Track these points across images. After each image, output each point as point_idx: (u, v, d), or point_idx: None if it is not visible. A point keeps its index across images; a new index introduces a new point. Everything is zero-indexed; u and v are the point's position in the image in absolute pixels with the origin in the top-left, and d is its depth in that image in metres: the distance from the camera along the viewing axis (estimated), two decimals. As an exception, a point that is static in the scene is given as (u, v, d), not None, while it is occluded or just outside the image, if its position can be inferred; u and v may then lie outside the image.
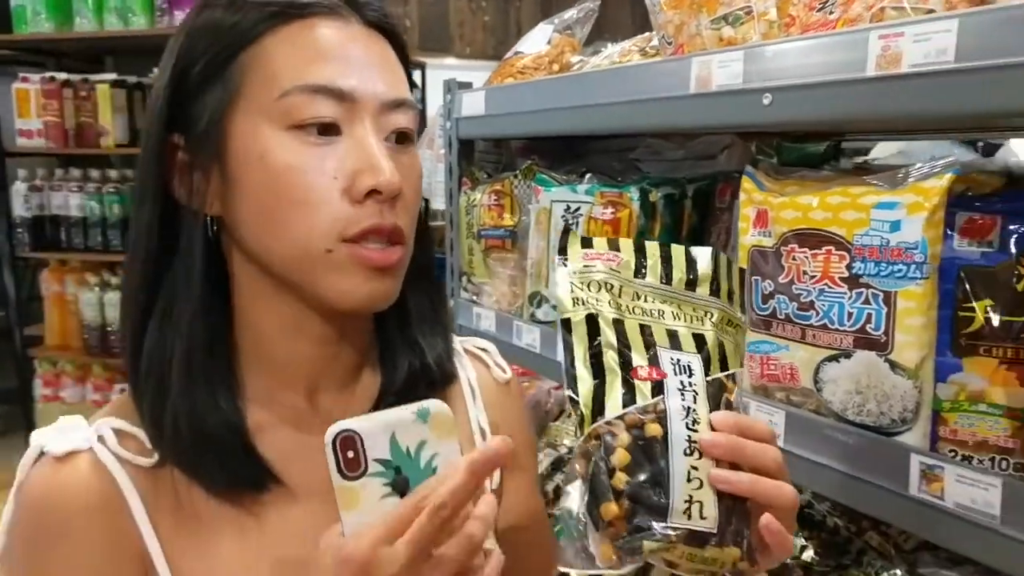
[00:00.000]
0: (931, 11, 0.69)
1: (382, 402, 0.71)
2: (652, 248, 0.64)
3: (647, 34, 1.24)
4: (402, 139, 0.66)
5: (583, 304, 0.60)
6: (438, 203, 1.73)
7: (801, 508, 1.23)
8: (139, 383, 0.66)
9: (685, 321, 0.62)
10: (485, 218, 1.45)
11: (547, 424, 1.75)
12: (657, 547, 0.55)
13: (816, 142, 1.20)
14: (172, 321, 0.65)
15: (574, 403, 0.59)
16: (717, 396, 0.60)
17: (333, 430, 0.54)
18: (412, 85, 0.70)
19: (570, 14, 1.39)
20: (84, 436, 0.65)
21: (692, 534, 0.55)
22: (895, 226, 0.76)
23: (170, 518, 0.64)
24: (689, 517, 0.55)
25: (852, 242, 0.79)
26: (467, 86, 1.53)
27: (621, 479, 0.55)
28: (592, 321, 0.59)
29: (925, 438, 0.79)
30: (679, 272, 0.63)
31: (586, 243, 0.63)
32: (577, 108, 1.16)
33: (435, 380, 0.74)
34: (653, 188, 1.21)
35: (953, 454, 0.79)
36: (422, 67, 4.45)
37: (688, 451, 0.57)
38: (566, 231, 0.64)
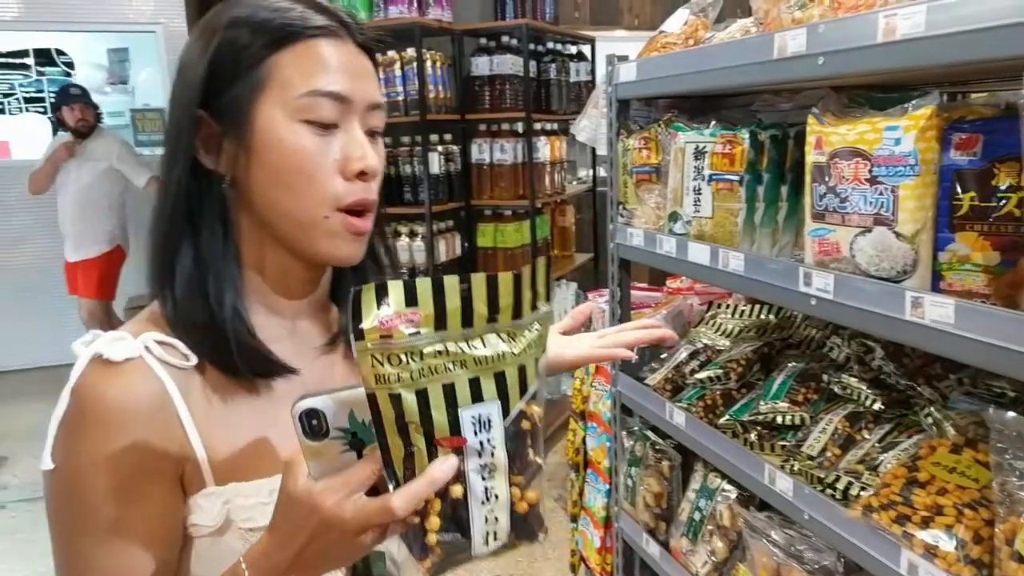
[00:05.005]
0: (914, -1, 1.07)
1: (340, 334, 0.91)
2: (452, 291, 0.61)
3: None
4: (376, 134, 0.84)
5: (386, 382, 0.60)
6: (602, 149, 2.16)
7: (876, 375, 1.59)
8: (177, 302, 0.79)
9: (486, 364, 0.63)
10: (636, 159, 1.87)
11: (688, 330, 2.18)
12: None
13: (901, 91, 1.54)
14: (201, 256, 0.80)
15: (390, 472, 0.63)
16: (516, 431, 0.66)
17: (301, 406, 0.62)
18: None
19: (703, -1, 1.79)
20: (135, 346, 0.76)
21: (492, 553, 0.68)
22: (897, 141, 1.13)
23: (204, 408, 0.79)
24: (487, 544, 0.67)
25: (872, 154, 1.17)
26: (624, 59, 1.94)
27: (432, 539, 0.65)
28: (396, 399, 0.60)
29: (923, 286, 1.15)
30: (480, 306, 0.62)
31: (381, 299, 0.59)
32: (701, 72, 1.57)
33: None
34: (761, 130, 1.58)
35: (949, 301, 1.15)
36: (591, 42, 4.85)
37: (485, 500, 0.65)
38: (356, 300, 0.58)
